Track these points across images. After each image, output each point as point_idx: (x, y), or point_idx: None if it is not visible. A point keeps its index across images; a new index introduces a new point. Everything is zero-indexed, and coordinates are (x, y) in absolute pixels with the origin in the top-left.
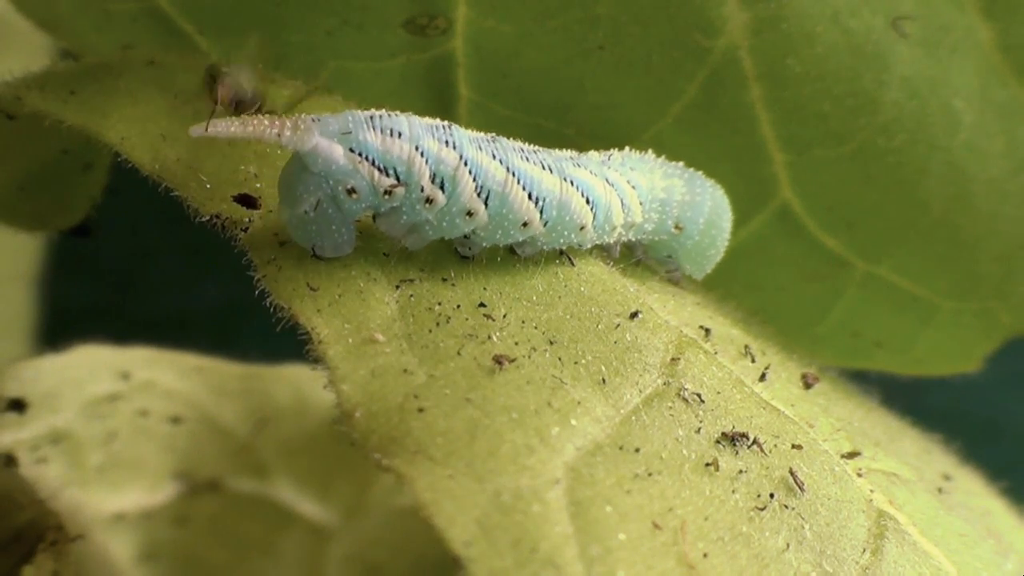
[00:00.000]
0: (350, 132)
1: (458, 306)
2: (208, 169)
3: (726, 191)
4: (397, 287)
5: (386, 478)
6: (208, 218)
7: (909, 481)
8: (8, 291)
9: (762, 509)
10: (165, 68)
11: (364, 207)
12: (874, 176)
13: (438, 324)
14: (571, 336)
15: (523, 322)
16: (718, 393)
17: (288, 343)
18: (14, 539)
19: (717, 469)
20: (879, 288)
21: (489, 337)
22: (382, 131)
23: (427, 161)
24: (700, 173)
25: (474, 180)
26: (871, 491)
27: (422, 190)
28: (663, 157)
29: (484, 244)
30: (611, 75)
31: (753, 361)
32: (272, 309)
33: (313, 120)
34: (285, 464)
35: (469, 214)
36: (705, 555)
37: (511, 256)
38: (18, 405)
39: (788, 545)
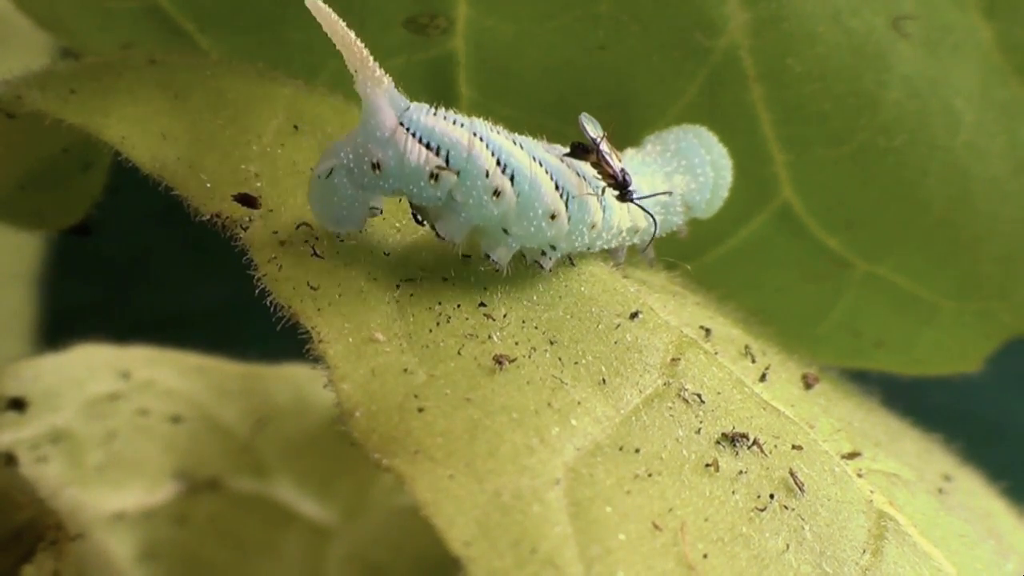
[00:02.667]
0: (408, 109)
1: (458, 305)
2: (208, 168)
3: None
4: (397, 286)
5: (386, 478)
6: (208, 217)
7: (909, 482)
8: (8, 291)
9: (762, 510)
10: (166, 67)
11: (386, 188)
12: (874, 176)
13: (438, 324)
14: (571, 336)
15: (523, 322)
16: (718, 393)
17: (288, 343)
18: (14, 538)
19: (717, 470)
20: (880, 288)
21: (489, 337)
22: (436, 115)
23: (488, 146)
24: (693, 140)
25: (551, 178)
26: (871, 492)
27: (487, 175)
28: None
29: (559, 255)
30: (612, 75)
31: (753, 361)
32: (272, 309)
33: (389, 82)
34: (285, 464)
35: (553, 216)
36: (705, 556)
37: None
38: (18, 404)
39: (788, 546)
